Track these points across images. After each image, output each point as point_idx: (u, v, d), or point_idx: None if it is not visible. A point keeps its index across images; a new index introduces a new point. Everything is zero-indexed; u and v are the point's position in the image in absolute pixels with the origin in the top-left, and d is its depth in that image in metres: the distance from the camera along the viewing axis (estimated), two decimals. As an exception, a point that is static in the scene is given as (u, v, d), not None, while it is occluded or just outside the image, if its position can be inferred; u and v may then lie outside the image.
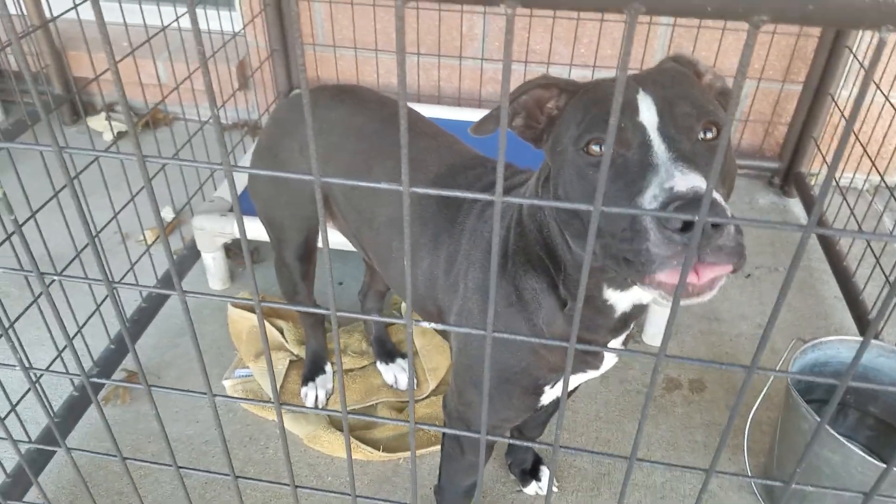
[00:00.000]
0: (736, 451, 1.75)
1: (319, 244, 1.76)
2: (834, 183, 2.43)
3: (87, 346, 1.73)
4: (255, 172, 0.49)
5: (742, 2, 0.39)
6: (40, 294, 1.32)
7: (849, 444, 1.36)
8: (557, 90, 0.96)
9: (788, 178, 2.74)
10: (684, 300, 0.81)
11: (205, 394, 0.71)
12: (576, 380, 1.21)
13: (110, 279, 0.62)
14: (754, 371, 0.57)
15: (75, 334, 1.66)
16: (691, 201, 0.72)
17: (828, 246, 2.32)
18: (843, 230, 0.48)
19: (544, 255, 1.05)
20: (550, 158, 0.97)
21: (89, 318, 1.75)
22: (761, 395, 1.67)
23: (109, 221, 1.80)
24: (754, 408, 1.68)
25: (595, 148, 0.86)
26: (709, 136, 0.85)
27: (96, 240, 1.69)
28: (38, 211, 1.53)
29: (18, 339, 1.34)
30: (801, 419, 1.48)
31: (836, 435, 1.38)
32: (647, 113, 0.84)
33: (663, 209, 0.74)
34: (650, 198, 0.77)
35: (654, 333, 2.05)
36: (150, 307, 1.97)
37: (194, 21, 0.43)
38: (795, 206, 2.69)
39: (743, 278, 2.32)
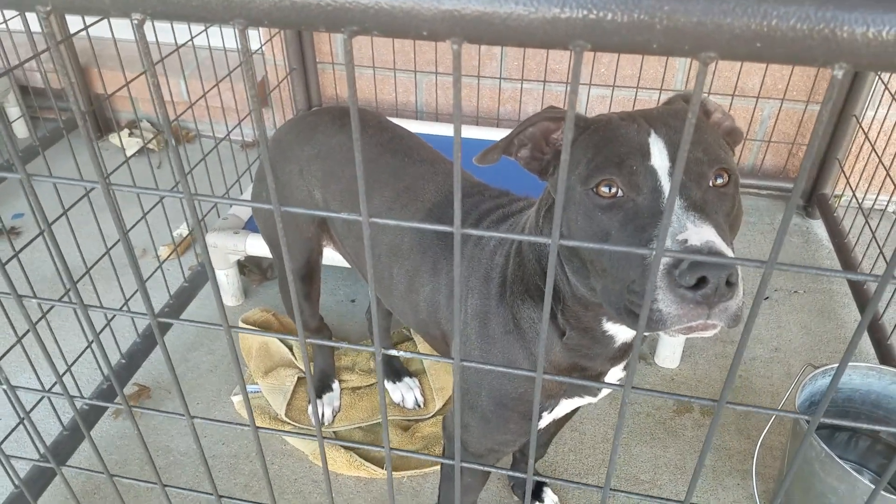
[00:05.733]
0: (745, 476, 1.72)
1: (324, 260, 1.77)
2: (857, 204, 2.39)
3: (97, 360, 1.76)
4: (220, 201, 0.50)
5: (688, 40, 0.39)
6: (27, 332, 1.13)
7: (854, 473, 1.33)
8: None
9: (812, 200, 2.70)
10: (690, 334, 0.80)
11: (182, 415, 0.72)
12: (572, 404, 1.20)
13: (92, 309, 0.64)
14: (723, 404, 0.56)
15: (74, 360, 1.66)
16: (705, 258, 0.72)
17: (848, 270, 2.28)
18: (802, 266, 0.47)
19: (542, 284, 1.05)
20: (555, 192, 0.97)
21: (85, 348, 1.77)
22: (771, 420, 1.65)
23: (115, 244, 1.82)
24: (764, 432, 1.65)
25: (605, 189, 0.85)
26: (719, 181, 0.85)
27: (109, 255, 1.72)
28: (31, 241, 1.55)
29: (31, 364, 1.36)
30: (807, 446, 1.45)
31: (842, 463, 1.35)
32: (659, 157, 0.84)
33: (676, 265, 0.74)
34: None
35: (666, 356, 2.03)
36: (162, 323, 2.00)
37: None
38: (818, 228, 2.65)
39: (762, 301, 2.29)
